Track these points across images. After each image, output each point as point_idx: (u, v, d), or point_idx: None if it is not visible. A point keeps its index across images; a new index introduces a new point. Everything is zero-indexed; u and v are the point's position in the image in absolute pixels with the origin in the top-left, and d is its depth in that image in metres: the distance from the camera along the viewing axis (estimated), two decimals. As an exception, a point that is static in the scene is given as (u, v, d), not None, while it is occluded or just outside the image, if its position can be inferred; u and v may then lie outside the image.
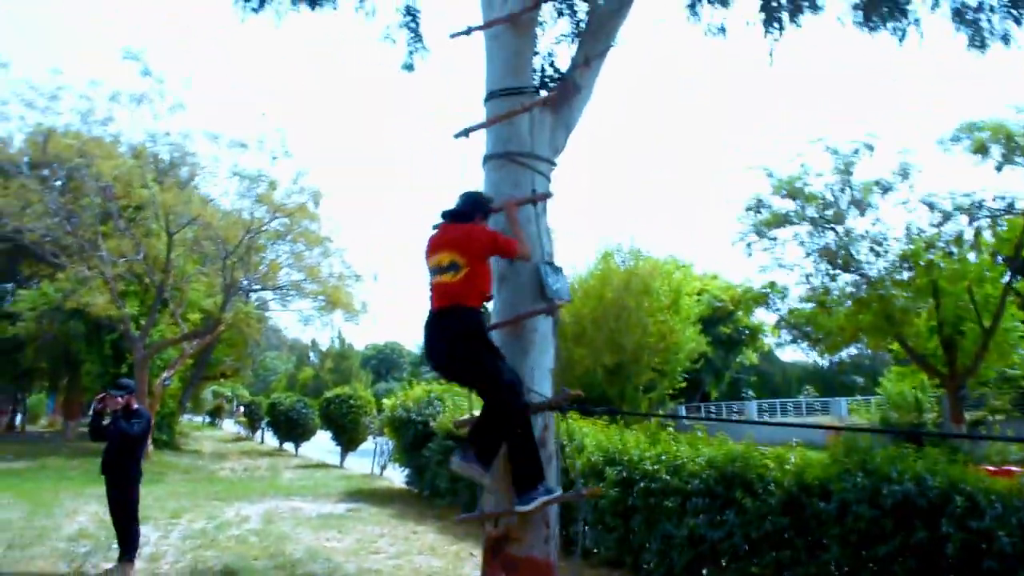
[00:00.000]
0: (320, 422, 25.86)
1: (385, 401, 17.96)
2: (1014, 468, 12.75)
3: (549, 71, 6.65)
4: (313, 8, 8.38)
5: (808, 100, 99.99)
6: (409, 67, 8.64)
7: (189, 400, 33.90)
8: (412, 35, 8.63)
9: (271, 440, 32.97)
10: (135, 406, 8.12)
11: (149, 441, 20.94)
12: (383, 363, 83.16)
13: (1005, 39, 8.09)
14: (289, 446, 29.66)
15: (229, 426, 49.10)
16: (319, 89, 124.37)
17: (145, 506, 9.69)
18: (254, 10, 8.24)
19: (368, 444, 23.25)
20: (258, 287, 26.18)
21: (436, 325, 4.27)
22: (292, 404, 28.02)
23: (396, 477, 18.18)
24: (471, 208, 4.45)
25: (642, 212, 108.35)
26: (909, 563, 5.77)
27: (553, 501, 4.21)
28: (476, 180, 4.73)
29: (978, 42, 8.15)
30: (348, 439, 23.29)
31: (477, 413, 4.80)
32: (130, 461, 8.05)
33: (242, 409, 44.32)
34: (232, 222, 22.66)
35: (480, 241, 4.24)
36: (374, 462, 20.94)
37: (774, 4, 7.68)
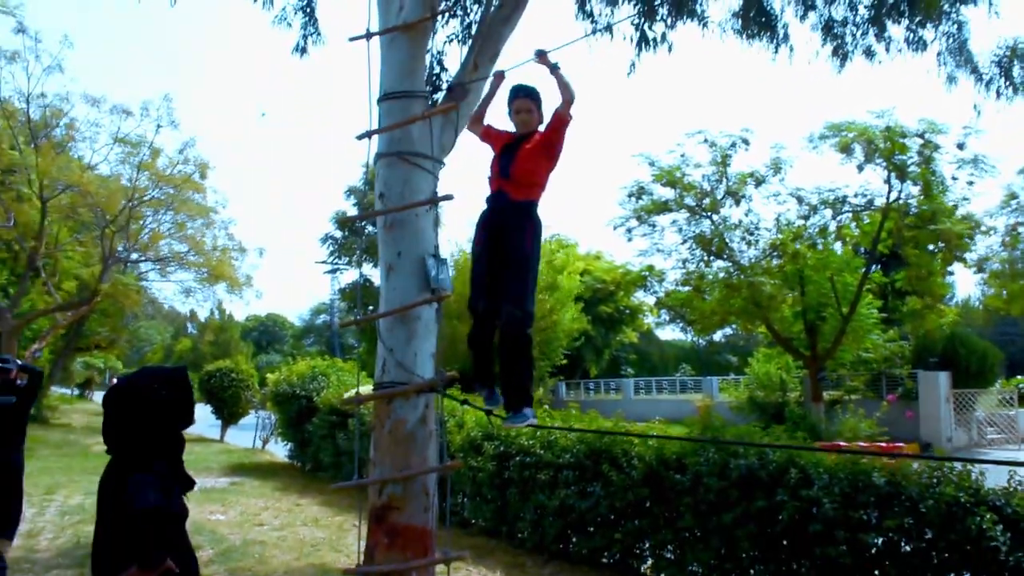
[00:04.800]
0: (200, 395, 25.47)
1: (269, 376, 17.97)
2: (841, 443, 14.29)
3: (437, 69, 6.97)
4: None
5: (691, 95, 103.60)
6: (302, 50, 8.77)
7: (59, 372, 32.57)
8: (307, 19, 8.76)
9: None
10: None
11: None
12: (264, 335, 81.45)
13: (868, 53, 8.89)
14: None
15: (100, 399, 47.16)
16: (213, 63, 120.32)
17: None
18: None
19: (250, 418, 23.14)
20: (138, 257, 25.42)
21: (497, 203, 4.67)
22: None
23: (279, 451, 18.23)
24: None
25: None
26: (750, 528, 6.47)
27: (532, 424, 4.64)
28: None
29: (841, 54, 8.93)
30: (229, 413, 23.10)
31: (363, 389, 5.10)
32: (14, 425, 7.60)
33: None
34: (112, 190, 21.91)
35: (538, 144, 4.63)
36: (256, 436, 20.89)
37: (648, 19, 8.20)
